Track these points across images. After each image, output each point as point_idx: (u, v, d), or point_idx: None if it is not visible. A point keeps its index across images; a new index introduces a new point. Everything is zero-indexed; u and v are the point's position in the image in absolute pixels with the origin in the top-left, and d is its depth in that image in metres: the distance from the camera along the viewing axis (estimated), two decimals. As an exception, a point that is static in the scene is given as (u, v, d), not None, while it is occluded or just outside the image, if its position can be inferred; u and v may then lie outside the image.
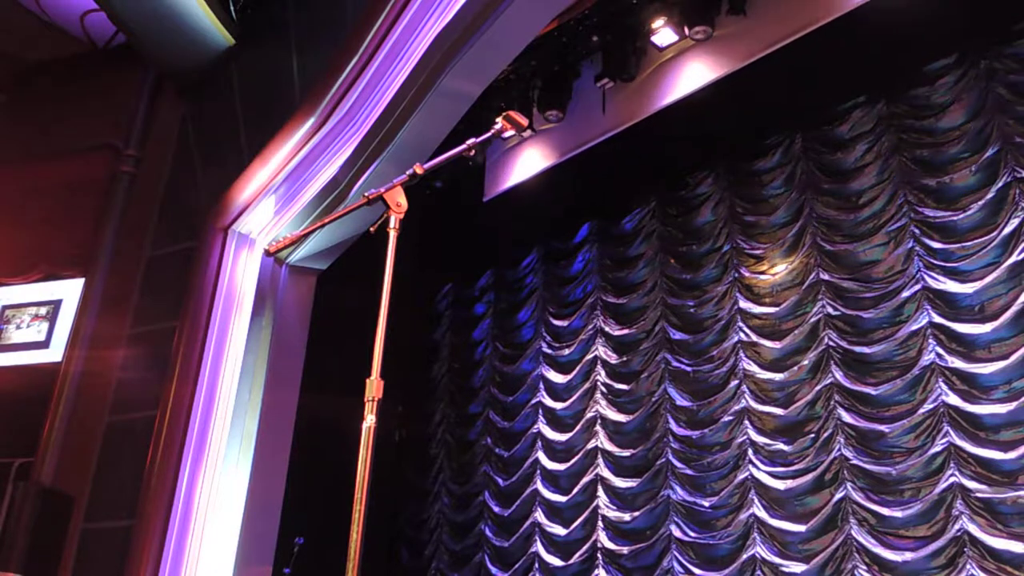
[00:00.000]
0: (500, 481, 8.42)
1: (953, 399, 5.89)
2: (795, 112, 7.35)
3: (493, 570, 8.10)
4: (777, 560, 6.35)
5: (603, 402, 7.90)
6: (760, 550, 6.45)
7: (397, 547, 8.93)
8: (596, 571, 7.33)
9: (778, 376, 6.84)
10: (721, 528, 6.78)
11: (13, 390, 7.18)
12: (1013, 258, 5.90)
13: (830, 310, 6.67)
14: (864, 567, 5.91)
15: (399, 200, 2.57)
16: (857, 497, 6.09)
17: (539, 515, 7.95)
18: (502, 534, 8.22)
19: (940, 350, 6.04)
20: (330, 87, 6.38)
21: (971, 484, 5.64)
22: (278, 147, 6.64)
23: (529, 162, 8.50)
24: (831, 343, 6.57)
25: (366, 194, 2.59)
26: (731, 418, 6.98)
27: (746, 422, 6.86)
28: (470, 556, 8.35)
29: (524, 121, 2.84)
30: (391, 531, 8.98)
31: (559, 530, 7.77)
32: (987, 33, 6.38)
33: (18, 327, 7.50)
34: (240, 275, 6.88)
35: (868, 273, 6.63)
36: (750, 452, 6.75)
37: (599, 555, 7.37)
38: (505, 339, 9.04)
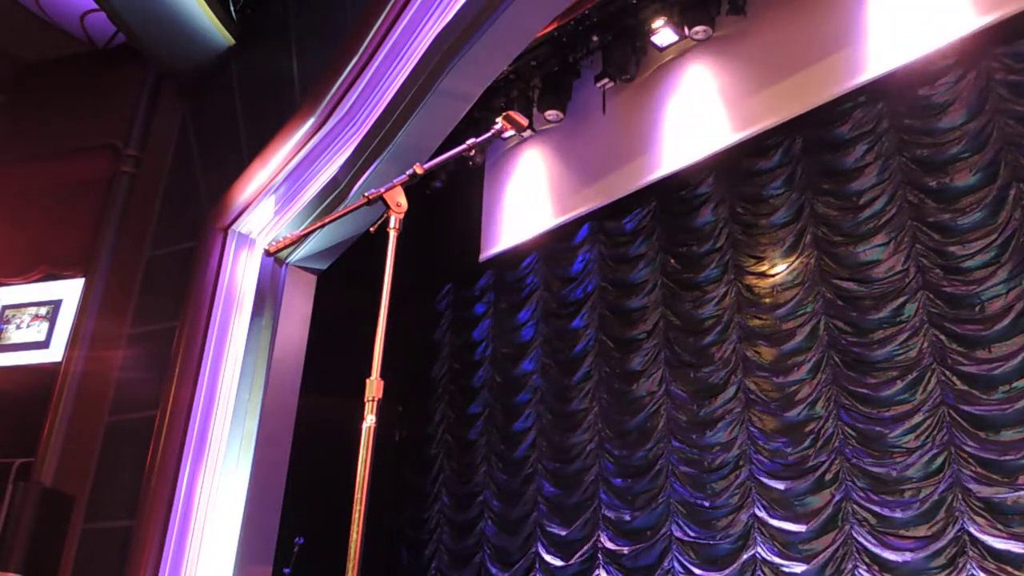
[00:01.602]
0: (500, 481, 8.42)
1: (953, 399, 5.89)
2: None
3: (493, 570, 8.10)
4: (777, 560, 6.35)
5: (604, 402, 7.89)
6: (760, 550, 6.44)
7: (397, 547, 8.93)
8: (597, 571, 7.32)
9: (778, 376, 6.84)
10: (722, 528, 6.78)
11: (13, 390, 7.18)
12: (1013, 258, 5.90)
13: (830, 310, 6.67)
14: (864, 567, 5.91)
15: (399, 200, 2.57)
16: (857, 497, 6.09)
17: (540, 515, 7.95)
18: (502, 534, 8.22)
19: (940, 350, 6.04)
20: (330, 87, 6.38)
21: (971, 484, 5.64)
22: (278, 147, 6.64)
23: (523, 223, 8.58)
24: (831, 343, 6.57)
25: (366, 194, 2.60)
26: (731, 418, 6.98)
27: (746, 422, 6.86)
28: (470, 556, 8.35)
29: (524, 121, 2.84)
30: (391, 531, 8.97)
31: (560, 530, 7.77)
32: (987, 33, 6.37)
33: (18, 327, 7.50)
34: (240, 275, 6.88)
35: (868, 273, 6.62)
36: (750, 452, 6.75)
37: (600, 555, 7.37)
38: (505, 339, 9.03)
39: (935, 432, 5.89)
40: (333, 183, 6.63)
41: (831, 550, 6.11)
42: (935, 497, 5.78)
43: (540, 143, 8.81)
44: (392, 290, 2.49)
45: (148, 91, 7.97)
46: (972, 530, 5.54)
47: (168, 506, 6.06)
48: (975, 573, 5.44)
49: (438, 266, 9.71)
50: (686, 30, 7.45)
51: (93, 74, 8.23)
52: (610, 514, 7.46)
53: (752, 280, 7.29)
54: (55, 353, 7.19)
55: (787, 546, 6.37)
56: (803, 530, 6.29)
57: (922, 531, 5.80)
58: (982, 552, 5.49)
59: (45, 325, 7.37)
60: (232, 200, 6.87)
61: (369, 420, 2.33)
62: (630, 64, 7.82)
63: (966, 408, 5.82)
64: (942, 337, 6.08)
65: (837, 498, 6.18)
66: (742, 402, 6.94)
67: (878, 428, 6.17)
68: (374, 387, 2.36)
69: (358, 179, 6.52)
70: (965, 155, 6.35)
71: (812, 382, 6.62)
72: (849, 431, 6.29)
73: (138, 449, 6.31)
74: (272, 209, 6.91)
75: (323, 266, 7.34)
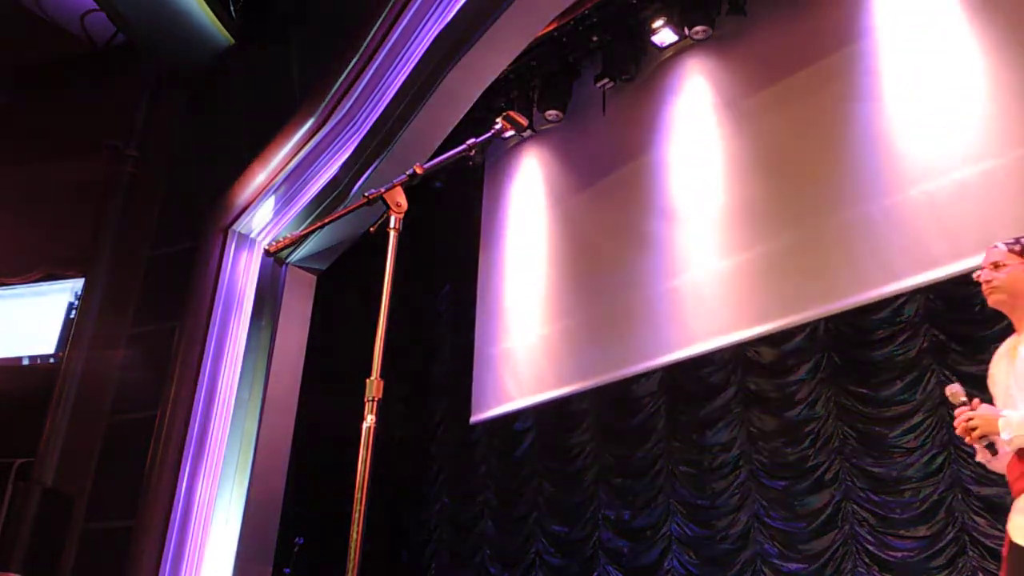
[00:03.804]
0: (500, 481, 8.41)
1: (953, 399, 5.87)
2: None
3: (493, 570, 8.09)
4: (777, 560, 6.35)
5: (604, 402, 7.88)
6: (760, 549, 6.45)
7: (397, 547, 8.93)
8: (597, 570, 7.32)
9: (778, 376, 6.83)
10: (722, 527, 6.77)
11: (13, 390, 7.18)
12: (1013, 258, 5.88)
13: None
14: (864, 567, 5.91)
15: (399, 200, 2.57)
16: (857, 497, 6.09)
17: (540, 515, 7.95)
18: (503, 533, 8.22)
19: (940, 350, 6.03)
20: (330, 87, 6.39)
21: (971, 484, 5.64)
22: (278, 147, 6.64)
23: (516, 390, 8.15)
24: (831, 343, 6.56)
25: (366, 194, 2.59)
26: (731, 418, 6.98)
27: (746, 422, 6.85)
28: (470, 556, 8.35)
29: (524, 121, 2.84)
30: (391, 531, 8.97)
31: (560, 529, 7.77)
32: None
33: (18, 326, 7.51)
34: (240, 275, 6.89)
35: (868, 273, 6.61)
36: (750, 452, 6.75)
37: (600, 554, 7.37)
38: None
39: (935, 432, 5.88)
40: (333, 183, 6.63)
41: (831, 550, 6.10)
42: (935, 497, 5.77)
43: (540, 143, 8.81)
44: (392, 290, 2.49)
45: (148, 91, 7.97)
46: (972, 530, 5.54)
47: (168, 506, 6.07)
48: (975, 573, 5.44)
49: (438, 266, 9.71)
50: (686, 30, 7.46)
51: (93, 74, 8.23)
52: (610, 513, 7.46)
53: (752, 280, 7.28)
54: (55, 353, 7.20)
55: (787, 546, 6.37)
56: (803, 530, 6.30)
57: (922, 531, 5.80)
58: (982, 552, 5.48)
59: (46, 325, 7.37)
60: (232, 200, 6.87)
61: (369, 420, 2.33)
62: (630, 64, 7.83)
63: (966, 408, 5.80)
64: (942, 337, 6.07)
65: (837, 498, 6.18)
66: (742, 402, 6.93)
67: (878, 428, 6.17)
68: (374, 387, 2.36)
69: (358, 179, 6.53)
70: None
71: (812, 382, 6.61)
72: (849, 431, 6.28)
73: (138, 449, 6.32)
74: (272, 209, 6.92)
75: (323, 266, 7.34)
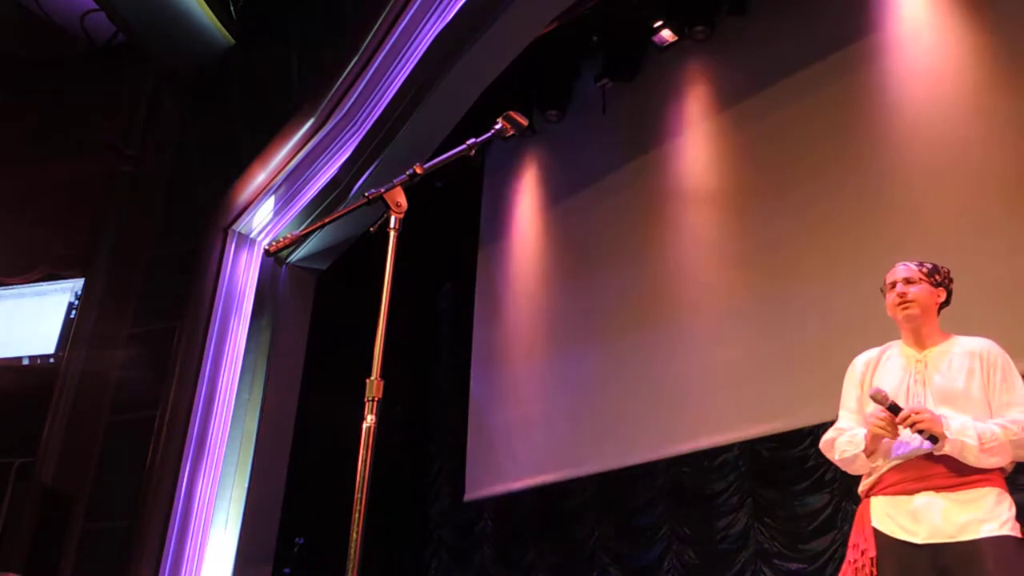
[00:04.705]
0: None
1: (953, 399, 5.86)
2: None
3: (493, 570, 8.09)
4: (777, 560, 6.34)
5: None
6: (760, 549, 6.44)
7: (397, 547, 8.93)
8: (597, 570, 7.32)
9: (778, 376, 6.83)
10: (722, 527, 6.77)
11: (13, 390, 7.19)
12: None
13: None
14: (864, 567, 5.90)
15: (399, 200, 2.56)
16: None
17: (539, 514, 7.94)
18: (502, 534, 8.21)
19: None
20: (330, 87, 6.39)
21: (971, 484, 5.62)
22: (278, 147, 6.65)
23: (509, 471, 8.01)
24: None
25: (366, 194, 2.58)
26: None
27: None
28: (470, 556, 8.34)
29: (524, 121, 2.82)
30: (391, 531, 8.98)
31: (559, 529, 7.76)
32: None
33: (18, 326, 7.51)
34: (240, 275, 6.89)
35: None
36: (750, 452, 6.74)
37: (600, 554, 7.36)
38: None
39: (935, 432, 5.87)
40: (333, 183, 6.64)
41: (831, 550, 6.10)
42: (935, 497, 5.76)
43: (540, 143, 8.81)
44: (392, 290, 2.48)
45: (148, 91, 7.98)
46: (972, 530, 5.52)
47: (168, 506, 6.07)
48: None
49: (438, 266, 9.71)
50: (686, 30, 7.46)
51: (93, 74, 8.24)
52: (610, 513, 7.46)
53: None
54: (55, 353, 7.20)
55: (787, 546, 6.36)
56: (803, 530, 6.29)
57: (922, 531, 5.78)
58: (982, 552, 5.47)
59: (46, 325, 7.37)
60: (232, 200, 6.87)
61: (369, 420, 2.33)
62: (630, 64, 7.83)
63: (966, 408, 5.79)
64: (942, 337, 6.06)
65: (837, 498, 6.18)
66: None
67: (878, 428, 6.15)
68: (374, 387, 2.36)
69: (358, 179, 6.53)
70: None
71: (812, 382, 6.60)
72: (849, 431, 6.27)
73: (138, 449, 6.32)
74: (272, 209, 6.92)
75: (323, 266, 7.34)
